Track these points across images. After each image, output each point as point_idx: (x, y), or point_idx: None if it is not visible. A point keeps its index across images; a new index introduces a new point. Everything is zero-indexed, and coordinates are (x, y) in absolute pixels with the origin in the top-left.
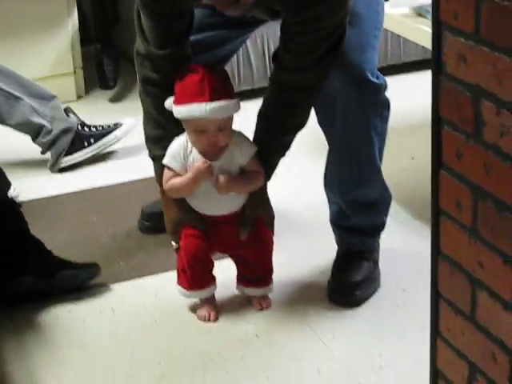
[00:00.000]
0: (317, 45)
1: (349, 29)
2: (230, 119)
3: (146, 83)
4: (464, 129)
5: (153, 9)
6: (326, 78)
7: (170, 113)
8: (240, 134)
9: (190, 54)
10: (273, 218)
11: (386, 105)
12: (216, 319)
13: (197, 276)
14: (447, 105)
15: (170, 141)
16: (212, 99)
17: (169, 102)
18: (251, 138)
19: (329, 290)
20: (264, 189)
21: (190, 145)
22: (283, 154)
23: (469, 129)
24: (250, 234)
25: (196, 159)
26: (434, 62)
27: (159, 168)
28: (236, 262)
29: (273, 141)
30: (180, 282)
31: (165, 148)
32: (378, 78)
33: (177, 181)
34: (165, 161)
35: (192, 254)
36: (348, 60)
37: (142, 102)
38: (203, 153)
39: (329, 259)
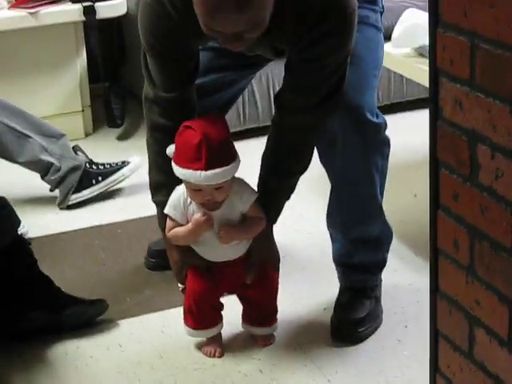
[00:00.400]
0: (321, 83)
1: (348, 69)
2: (227, 180)
3: (153, 129)
4: (460, 171)
5: (159, 52)
6: (328, 120)
7: None
8: (240, 181)
9: (194, 97)
10: (278, 260)
11: (386, 143)
12: (221, 355)
13: (203, 316)
14: (444, 148)
15: (172, 188)
16: (207, 168)
17: (169, 151)
18: (256, 178)
19: (332, 326)
20: (269, 232)
21: None
22: (288, 197)
23: (465, 171)
24: (255, 276)
25: (196, 209)
26: (431, 107)
27: (161, 213)
28: (242, 301)
29: (278, 184)
30: (186, 321)
31: (167, 194)
32: (377, 117)
33: (179, 231)
34: (166, 210)
35: (198, 295)
36: (347, 100)
37: (147, 147)
38: (201, 205)
39: (332, 296)
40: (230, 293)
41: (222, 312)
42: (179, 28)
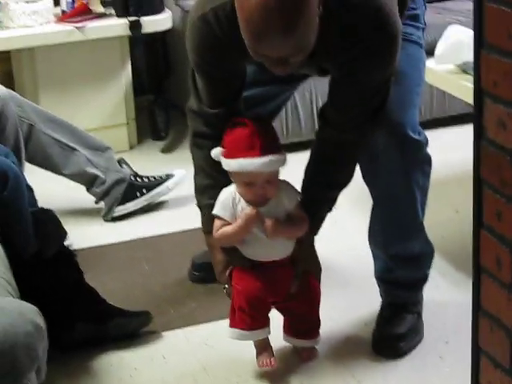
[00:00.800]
0: (363, 101)
1: (392, 87)
2: (277, 172)
3: (196, 136)
4: (504, 191)
5: (205, 70)
6: (371, 137)
7: (219, 163)
8: (285, 181)
9: (241, 111)
10: (320, 270)
11: (427, 160)
12: (275, 365)
13: (255, 314)
14: (488, 167)
15: (217, 190)
16: (263, 154)
17: (215, 153)
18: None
19: (373, 341)
20: (311, 242)
21: (238, 195)
22: (330, 210)
23: (509, 191)
24: (299, 286)
25: (244, 207)
26: (475, 127)
27: (205, 217)
28: (283, 313)
29: (319, 196)
30: (235, 323)
31: (212, 197)
32: (419, 134)
33: (227, 229)
34: (215, 211)
35: (249, 292)
36: (390, 118)
37: (192, 153)
38: (251, 202)
39: (373, 311)
40: (274, 299)
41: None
42: (225, 48)
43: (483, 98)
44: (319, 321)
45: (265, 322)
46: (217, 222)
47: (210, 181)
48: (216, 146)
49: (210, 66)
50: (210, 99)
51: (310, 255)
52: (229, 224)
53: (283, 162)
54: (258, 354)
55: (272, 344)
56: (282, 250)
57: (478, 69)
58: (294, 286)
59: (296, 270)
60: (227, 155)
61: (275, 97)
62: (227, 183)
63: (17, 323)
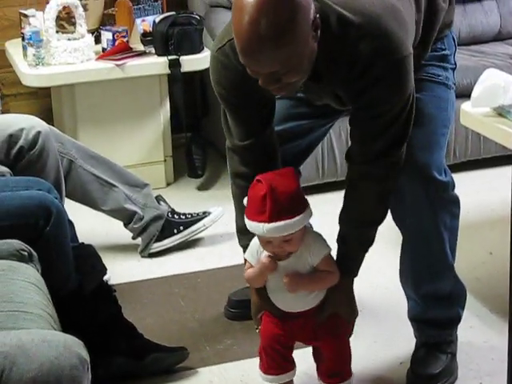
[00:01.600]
0: (379, 133)
1: (417, 128)
2: (297, 231)
3: (235, 176)
4: None
5: (229, 102)
6: (395, 171)
7: None
8: (313, 234)
9: (273, 142)
10: (354, 315)
11: (454, 201)
12: None
13: (271, 362)
14: None
15: None
16: (271, 220)
17: (245, 202)
18: (333, 229)
19: (408, 381)
20: (347, 285)
21: None
22: (366, 250)
23: None
24: (325, 328)
25: (265, 256)
26: None
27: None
28: (313, 355)
29: (354, 237)
30: (260, 365)
31: (251, 239)
32: (445, 175)
33: (250, 272)
34: (245, 255)
35: (267, 340)
36: (415, 159)
37: (232, 194)
38: (272, 253)
39: (408, 351)
40: (301, 342)
41: (299, 363)
42: (245, 78)
43: None
44: (347, 364)
45: (282, 369)
46: (246, 265)
47: None
48: None
49: (234, 98)
50: (239, 131)
51: (343, 300)
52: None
53: (296, 226)
54: None
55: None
56: (305, 303)
57: None
58: (317, 325)
59: (321, 310)
60: (245, 213)
61: (309, 132)
62: None
63: (62, 356)
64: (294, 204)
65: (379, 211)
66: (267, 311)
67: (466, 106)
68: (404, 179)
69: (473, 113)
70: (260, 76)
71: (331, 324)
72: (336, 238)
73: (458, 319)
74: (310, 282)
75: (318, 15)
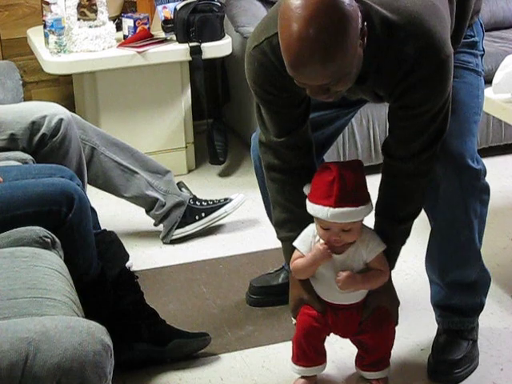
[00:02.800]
0: (419, 131)
1: (450, 116)
2: (358, 222)
3: (269, 169)
4: None
5: (266, 100)
6: (433, 163)
7: (295, 197)
8: (370, 230)
9: (308, 139)
10: (397, 306)
11: (485, 189)
12: None
13: (302, 354)
14: None
15: (295, 224)
16: (336, 205)
17: (306, 189)
18: None
19: (429, 367)
20: (389, 277)
21: None
22: (403, 242)
23: None
24: (370, 320)
25: (322, 243)
26: None
27: (286, 249)
28: (356, 344)
29: (391, 230)
30: (292, 356)
31: (291, 230)
32: (477, 162)
33: (299, 261)
34: (295, 243)
35: (303, 333)
36: (449, 147)
37: (268, 188)
38: (328, 244)
39: (430, 337)
40: (342, 337)
41: (336, 350)
42: (282, 76)
43: None
44: (388, 354)
45: (313, 362)
46: (295, 254)
47: (288, 214)
48: (288, 180)
49: (271, 95)
50: (275, 128)
51: (385, 292)
52: (303, 257)
53: (359, 216)
54: (299, 378)
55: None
56: (353, 297)
57: None
58: (363, 319)
59: (367, 304)
60: (309, 197)
61: (333, 121)
62: (305, 216)
63: (86, 342)
64: (359, 193)
65: (418, 205)
66: (308, 305)
67: (487, 93)
68: (437, 167)
69: (494, 99)
70: (308, 87)
71: (376, 317)
72: None
73: (481, 307)
74: (363, 281)
75: (365, 23)
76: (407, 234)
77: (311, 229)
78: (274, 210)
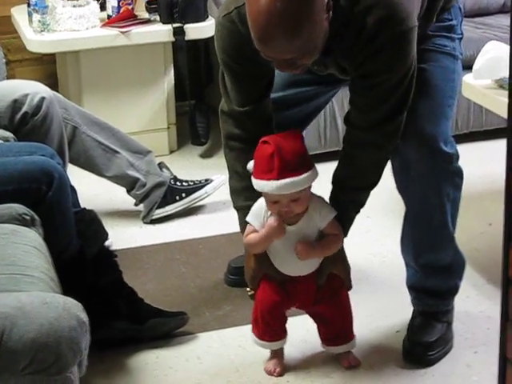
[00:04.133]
0: (379, 101)
1: (424, 99)
2: (305, 190)
3: (228, 138)
4: None
5: (232, 68)
6: (395, 138)
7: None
8: (319, 198)
9: (269, 111)
10: (349, 270)
11: (458, 173)
12: (281, 375)
13: (268, 329)
14: None
15: (251, 193)
16: (280, 177)
17: (249, 166)
18: None
19: (404, 349)
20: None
21: None
22: (358, 211)
23: None
24: (326, 290)
25: (275, 219)
26: (509, 143)
27: (241, 218)
28: (315, 320)
29: (347, 198)
30: (253, 330)
31: (247, 199)
32: (451, 146)
33: (252, 236)
34: (247, 218)
35: (265, 306)
36: (422, 130)
37: (225, 156)
38: (280, 217)
39: (405, 319)
40: (301, 308)
41: (297, 330)
42: (249, 46)
43: None
44: (350, 325)
45: (278, 335)
46: (248, 228)
47: (245, 183)
48: (247, 149)
49: (237, 64)
50: (238, 97)
51: (338, 257)
52: (257, 232)
53: (304, 183)
54: (269, 359)
55: (311, 349)
56: (310, 266)
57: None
58: (319, 283)
59: (322, 270)
60: (253, 174)
61: (312, 98)
62: None
63: (61, 318)
64: (300, 162)
65: (374, 177)
66: (267, 276)
67: (467, 78)
68: (410, 149)
69: (474, 85)
70: (274, 60)
71: (331, 284)
72: (328, 199)
73: (456, 290)
74: (320, 247)
75: None
76: (362, 203)
77: (261, 204)
78: (231, 179)
